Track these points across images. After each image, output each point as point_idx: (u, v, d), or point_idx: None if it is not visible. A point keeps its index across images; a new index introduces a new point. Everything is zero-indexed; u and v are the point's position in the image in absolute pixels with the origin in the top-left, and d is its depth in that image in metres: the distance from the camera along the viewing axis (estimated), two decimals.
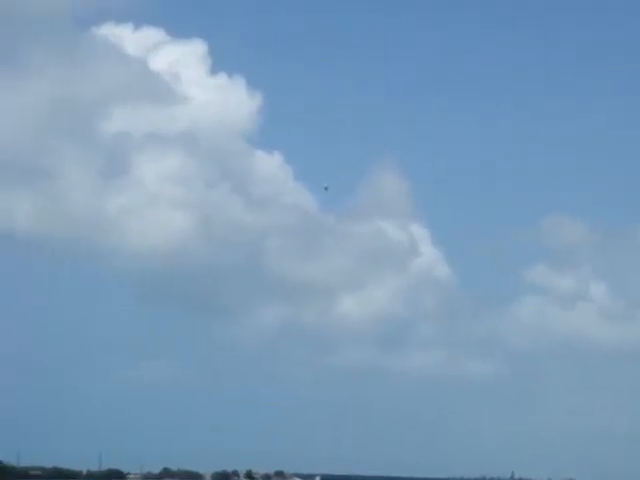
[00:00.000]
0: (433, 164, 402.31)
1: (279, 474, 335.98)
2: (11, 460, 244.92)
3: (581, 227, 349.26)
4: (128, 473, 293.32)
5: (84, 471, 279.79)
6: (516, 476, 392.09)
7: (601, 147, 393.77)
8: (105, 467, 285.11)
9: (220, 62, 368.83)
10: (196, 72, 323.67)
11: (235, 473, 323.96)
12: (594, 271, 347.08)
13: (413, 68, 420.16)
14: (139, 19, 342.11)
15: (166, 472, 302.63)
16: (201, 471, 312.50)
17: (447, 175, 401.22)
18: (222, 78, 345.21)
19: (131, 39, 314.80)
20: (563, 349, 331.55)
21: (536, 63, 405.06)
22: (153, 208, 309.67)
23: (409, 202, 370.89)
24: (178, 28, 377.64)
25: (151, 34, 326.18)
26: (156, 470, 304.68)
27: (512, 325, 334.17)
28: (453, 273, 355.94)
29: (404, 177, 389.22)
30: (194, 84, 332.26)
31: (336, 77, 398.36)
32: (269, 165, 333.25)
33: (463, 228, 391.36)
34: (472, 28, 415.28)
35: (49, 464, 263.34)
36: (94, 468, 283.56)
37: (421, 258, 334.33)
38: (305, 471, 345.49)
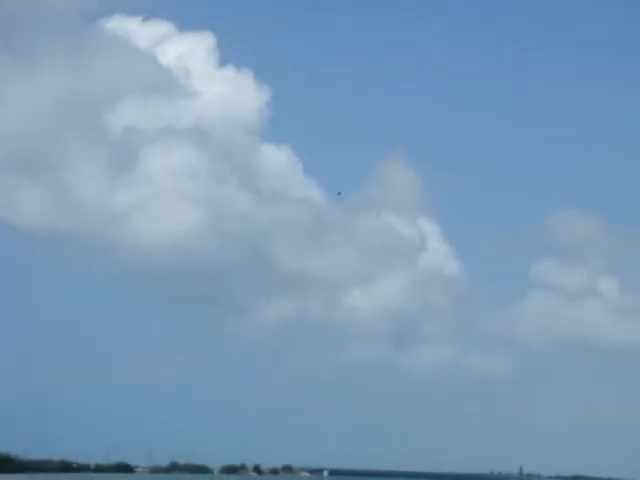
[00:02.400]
0: (443, 159, 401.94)
1: (287, 468, 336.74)
2: (19, 453, 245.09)
3: (591, 222, 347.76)
4: (136, 466, 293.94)
5: (92, 464, 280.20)
6: (525, 471, 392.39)
7: (611, 141, 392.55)
8: (113, 461, 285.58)
9: (228, 55, 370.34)
10: (204, 65, 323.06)
11: (243, 467, 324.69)
12: (604, 266, 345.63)
13: (423, 62, 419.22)
14: (148, 12, 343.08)
15: (174, 466, 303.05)
16: (209, 465, 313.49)
17: (457, 170, 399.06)
18: (230, 71, 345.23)
19: (139, 32, 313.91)
20: (572, 345, 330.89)
21: (544, 53, 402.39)
22: (161, 202, 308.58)
23: (418, 197, 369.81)
24: (186, 21, 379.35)
25: (159, 27, 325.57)
26: (164, 464, 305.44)
27: (521, 321, 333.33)
28: (462, 268, 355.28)
29: (414, 172, 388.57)
30: (202, 77, 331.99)
31: (345, 70, 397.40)
32: (278, 159, 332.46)
33: (472, 223, 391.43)
34: (478, 16, 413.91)
35: (57, 457, 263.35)
36: (102, 461, 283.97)
37: (430, 253, 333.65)
38: (313, 465, 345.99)
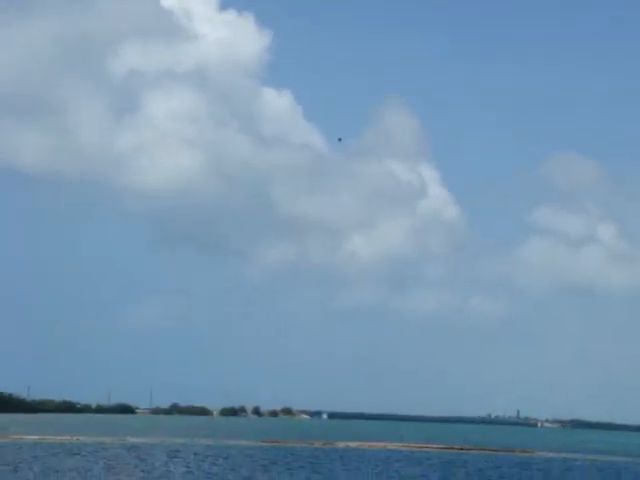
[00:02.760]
0: (442, 106, 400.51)
1: (286, 411, 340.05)
2: (22, 393, 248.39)
3: (588, 167, 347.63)
4: (137, 407, 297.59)
5: (93, 405, 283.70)
6: (521, 415, 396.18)
7: (614, 85, 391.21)
8: (114, 401, 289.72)
9: None
10: (205, 8, 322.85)
11: (243, 409, 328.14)
12: (602, 213, 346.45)
13: (422, 8, 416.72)
14: None
15: (174, 407, 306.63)
16: (209, 407, 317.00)
17: (456, 117, 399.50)
18: (231, 14, 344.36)
19: None
20: (571, 289, 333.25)
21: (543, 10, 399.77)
22: (162, 146, 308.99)
23: (419, 143, 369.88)
24: None
25: None
26: (165, 405, 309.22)
27: (520, 266, 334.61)
28: (461, 214, 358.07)
29: (414, 118, 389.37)
30: (203, 21, 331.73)
31: (347, 16, 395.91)
32: (278, 103, 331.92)
33: (472, 169, 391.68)
34: None
35: (59, 398, 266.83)
36: (103, 402, 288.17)
37: (430, 199, 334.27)
38: (312, 408, 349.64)
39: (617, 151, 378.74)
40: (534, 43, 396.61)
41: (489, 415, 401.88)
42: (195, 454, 76.68)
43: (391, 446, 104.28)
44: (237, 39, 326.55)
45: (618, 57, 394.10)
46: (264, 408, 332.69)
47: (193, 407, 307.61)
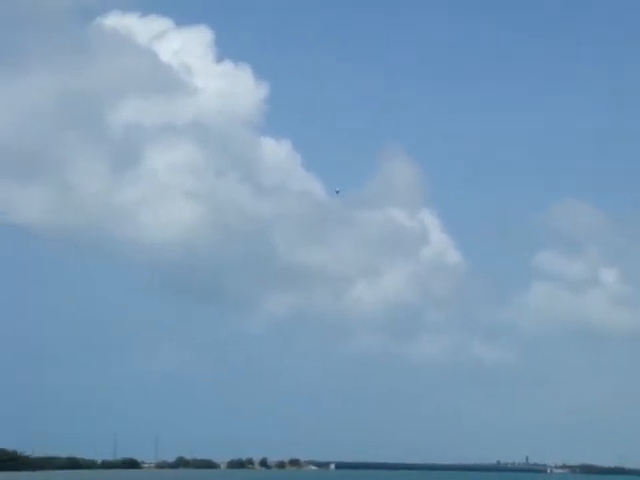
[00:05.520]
0: (442, 151, 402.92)
1: (294, 462, 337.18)
2: (26, 450, 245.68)
3: (592, 212, 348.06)
4: (143, 462, 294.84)
5: (99, 461, 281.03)
6: (531, 461, 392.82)
7: (614, 132, 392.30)
8: (120, 456, 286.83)
9: (226, 50, 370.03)
10: (202, 61, 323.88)
11: (250, 461, 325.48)
12: (605, 256, 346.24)
13: (419, 54, 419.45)
14: (145, 8, 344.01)
15: (181, 461, 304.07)
16: (216, 459, 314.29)
17: (457, 161, 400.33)
18: (228, 66, 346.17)
19: (137, 28, 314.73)
20: (574, 334, 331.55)
21: (545, 40, 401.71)
22: (164, 198, 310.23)
23: (419, 189, 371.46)
24: (184, 16, 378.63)
25: (157, 23, 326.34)
26: (171, 459, 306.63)
27: (523, 311, 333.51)
28: (464, 260, 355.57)
29: (413, 164, 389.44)
30: (201, 73, 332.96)
31: (343, 64, 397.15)
32: (277, 153, 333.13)
33: (473, 214, 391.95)
34: (473, 13, 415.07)
35: (64, 454, 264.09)
36: (109, 457, 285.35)
37: (432, 245, 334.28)
38: (320, 459, 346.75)
39: (619, 196, 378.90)
40: (532, 90, 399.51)
41: (498, 462, 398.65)
42: None
43: None
44: (235, 90, 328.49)
45: (618, 100, 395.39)
46: (271, 460, 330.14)
47: (199, 460, 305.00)
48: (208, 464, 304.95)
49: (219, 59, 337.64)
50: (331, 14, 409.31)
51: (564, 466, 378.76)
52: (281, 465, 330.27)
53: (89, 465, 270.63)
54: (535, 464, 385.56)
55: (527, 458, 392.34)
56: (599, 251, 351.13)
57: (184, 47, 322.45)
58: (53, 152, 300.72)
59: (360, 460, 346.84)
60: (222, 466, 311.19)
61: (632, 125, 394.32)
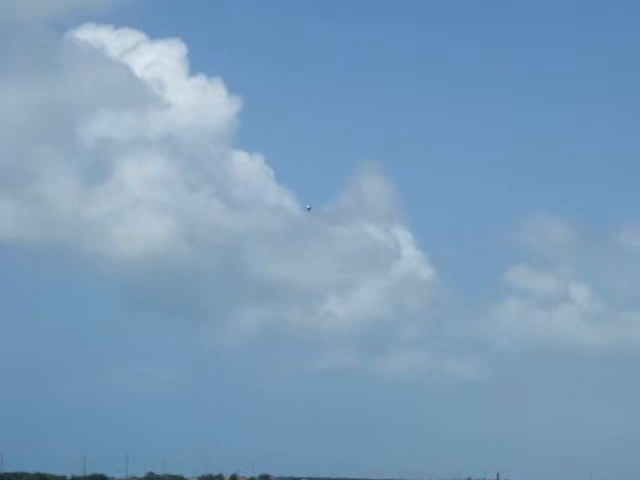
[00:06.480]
0: (415, 167, 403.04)
1: (264, 477, 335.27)
2: None
3: (563, 228, 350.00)
4: (112, 477, 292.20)
5: (68, 476, 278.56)
6: (502, 478, 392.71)
7: (583, 147, 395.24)
8: (89, 471, 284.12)
9: (199, 64, 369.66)
10: (175, 75, 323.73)
11: (220, 477, 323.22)
12: (576, 272, 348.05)
13: (393, 70, 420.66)
14: (118, 21, 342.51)
15: (151, 476, 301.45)
16: (186, 475, 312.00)
17: (429, 178, 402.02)
18: (201, 80, 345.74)
19: (110, 42, 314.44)
20: (546, 351, 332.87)
21: (518, 60, 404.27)
22: (136, 213, 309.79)
23: (392, 204, 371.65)
24: (157, 29, 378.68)
25: (130, 36, 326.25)
26: (141, 474, 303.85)
27: (496, 327, 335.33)
28: (436, 275, 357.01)
29: (386, 180, 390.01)
30: (173, 87, 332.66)
31: (316, 79, 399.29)
32: (250, 167, 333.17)
33: (446, 230, 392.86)
34: (449, 27, 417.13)
35: (32, 469, 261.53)
36: (78, 472, 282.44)
37: (405, 260, 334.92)
38: (290, 474, 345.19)
39: (590, 211, 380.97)
40: (504, 106, 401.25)
41: (469, 478, 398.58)
42: None
43: None
44: (207, 104, 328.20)
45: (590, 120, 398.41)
46: (242, 475, 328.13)
47: (169, 475, 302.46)
48: (178, 479, 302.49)
49: (192, 73, 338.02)
50: (304, 28, 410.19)
51: None
52: None
53: None
54: None
55: (498, 475, 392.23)
56: (571, 267, 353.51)
57: (157, 61, 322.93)
58: (24, 165, 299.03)
59: (333, 476, 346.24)
60: None
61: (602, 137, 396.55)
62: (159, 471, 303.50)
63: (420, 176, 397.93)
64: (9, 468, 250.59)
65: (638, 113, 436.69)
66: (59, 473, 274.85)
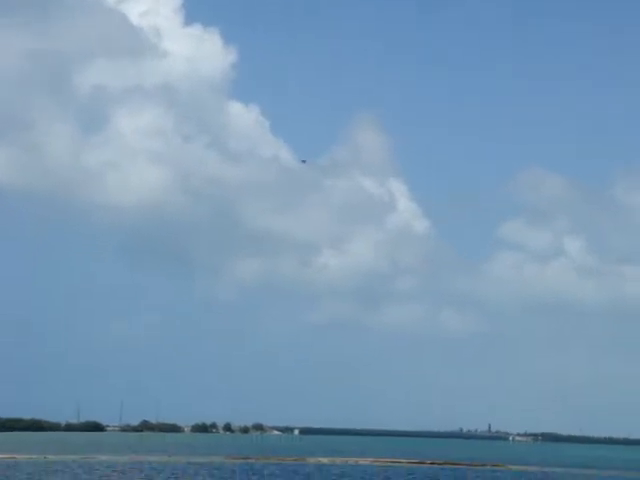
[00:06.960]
0: (411, 120, 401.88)
1: (258, 427, 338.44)
2: None
3: (558, 182, 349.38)
4: (107, 425, 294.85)
5: (63, 423, 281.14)
6: (493, 429, 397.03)
7: (580, 101, 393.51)
8: (84, 419, 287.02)
9: (195, 13, 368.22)
10: (171, 24, 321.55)
11: (214, 426, 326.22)
12: (570, 226, 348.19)
13: (392, 23, 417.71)
14: None
15: (145, 424, 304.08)
16: (180, 423, 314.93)
17: (425, 131, 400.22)
18: (197, 29, 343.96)
19: None
20: (540, 304, 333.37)
21: (512, 18, 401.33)
22: (131, 162, 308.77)
23: (387, 157, 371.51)
24: None
25: None
26: (135, 422, 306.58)
27: (489, 280, 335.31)
28: (431, 228, 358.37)
29: (382, 133, 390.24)
30: (170, 36, 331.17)
31: (313, 31, 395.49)
32: (246, 118, 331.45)
33: (441, 183, 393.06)
34: None
35: (27, 416, 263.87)
36: (73, 420, 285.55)
37: (400, 213, 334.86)
38: (284, 424, 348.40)
39: (585, 164, 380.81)
40: (499, 59, 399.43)
41: (461, 429, 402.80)
42: (173, 473, 74.82)
43: (363, 461, 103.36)
44: (203, 54, 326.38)
45: (583, 73, 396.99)
46: (235, 424, 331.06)
47: (164, 424, 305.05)
48: (172, 428, 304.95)
49: (188, 22, 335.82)
50: None
51: (526, 434, 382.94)
52: (245, 430, 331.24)
53: (52, 427, 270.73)
54: (497, 432, 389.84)
55: (490, 426, 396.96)
56: (565, 221, 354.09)
57: (153, 9, 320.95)
58: (19, 114, 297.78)
59: (325, 426, 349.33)
60: (186, 430, 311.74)
61: (599, 90, 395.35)
62: (153, 420, 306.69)
63: (416, 129, 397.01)
64: (5, 414, 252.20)
65: None
66: (54, 420, 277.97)
